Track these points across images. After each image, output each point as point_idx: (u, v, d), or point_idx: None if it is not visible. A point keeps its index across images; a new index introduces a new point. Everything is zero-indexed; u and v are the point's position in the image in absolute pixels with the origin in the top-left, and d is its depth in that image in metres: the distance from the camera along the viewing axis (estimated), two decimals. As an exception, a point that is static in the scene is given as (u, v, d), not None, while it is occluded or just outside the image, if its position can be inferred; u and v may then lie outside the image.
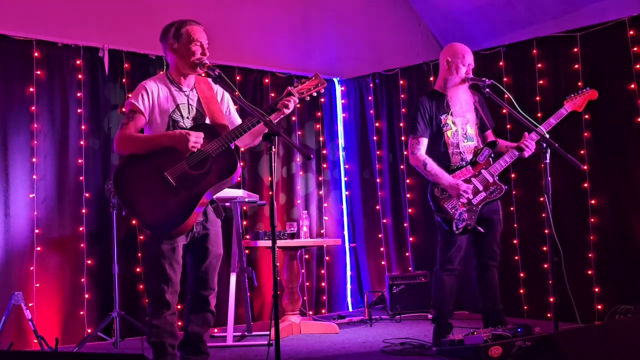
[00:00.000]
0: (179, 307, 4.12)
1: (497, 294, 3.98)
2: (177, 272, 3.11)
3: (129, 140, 3.05)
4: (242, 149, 5.32)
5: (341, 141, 6.33)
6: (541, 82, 5.07)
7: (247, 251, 5.18)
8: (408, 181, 5.81)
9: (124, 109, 3.15)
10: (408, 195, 5.82)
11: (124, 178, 3.05)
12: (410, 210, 5.80)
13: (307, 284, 5.80)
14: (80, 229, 4.74)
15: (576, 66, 4.87)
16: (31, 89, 4.64)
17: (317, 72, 3.31)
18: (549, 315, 4.87)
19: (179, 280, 3.13)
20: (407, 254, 5.89)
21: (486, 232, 3.87)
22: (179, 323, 3.81)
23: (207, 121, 3.19)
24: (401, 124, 5.92)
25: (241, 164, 5.53)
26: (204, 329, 3.23)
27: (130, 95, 3.21)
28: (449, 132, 3.90)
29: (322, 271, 5.96)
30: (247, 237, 5.30)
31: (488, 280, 3.98)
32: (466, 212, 3.82)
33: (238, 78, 5.57)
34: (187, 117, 3.16)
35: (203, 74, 3.24)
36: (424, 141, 3.93)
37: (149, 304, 3.13)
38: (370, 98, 6.15)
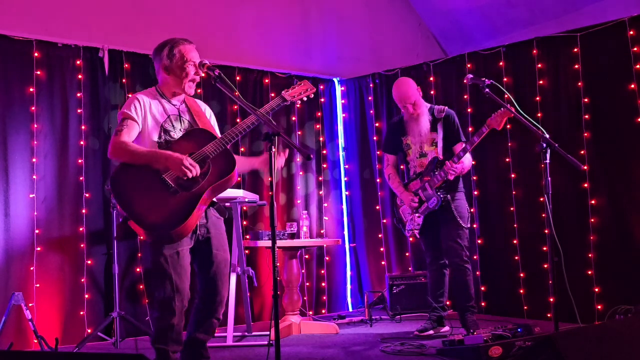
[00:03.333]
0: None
1: (460, 291, 4.40)
2: (183, 277, 3.05)
3: (124, 150, 3.03)
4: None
5: (341, 141, 6.33)
6: (541, 82, 5.07)
7: (247, 251, 5.18)
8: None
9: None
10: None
11: (122, 181, 3.03)
12: (410, 210, 5.79)
13: (307, 284, 5.80)
14: (80, 229, 4.74)
15: (576, 66, 4.87)
16: (31, 89, 4.64)
17: (306, 79, 3.43)
18: (549, 315, 4.87)
19: (188, 286, 3.09)
20: (407, 254, 5.89)
21: (439, 232, 4.43)
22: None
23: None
24: (401, 124, 5.91)
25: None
26: (208, 336, 3.21)
27: (126, 99, 3.21)
28: (409, 151, 4.58)
29: (322, 271, 5.96)
30: (247, 237, 5.30)
31: (450, 278, 4.51)
32: (411, 220, 4.51)
33: (238, 78, 5.57)
34: (179, 128, 3.17)
35: (203, 74, 3.24)
36: (390, 157, 4.72)
37: (155, 309, 3.07)
38: (370, 98, 6.15)
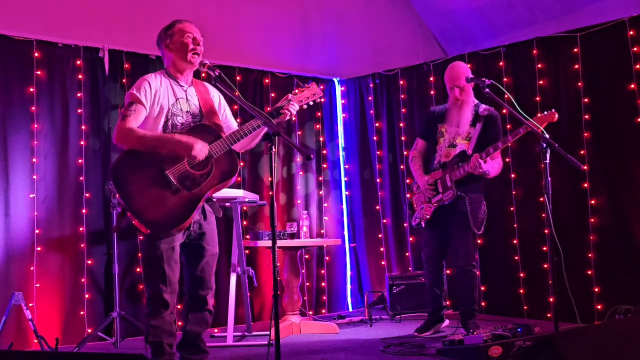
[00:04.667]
0: (178, 307, 4.13)
1: (464, 294, 4.36)
2: (176, 271, 3.10)
3: (132, 135, 3.03)
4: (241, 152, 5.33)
5: (341, 141, 6.33)
6: (541, 82, 5.07)
7: (247, 251, 5.18)
8: (408, 181, 5.80)
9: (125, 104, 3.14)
10: (408, 195, 5.81)
11: (123, 173, 3.02)
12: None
13: (307, 284, 5.80)
14: (80, 229, 4.74)
15: (576, 66, 4.87)
16: (31, 89, 4.64)
17: (314, 82, 3.41)
18: (549, 315, 4.87)
19: (178, 280, 3.13)
20: (407, 254, 5.89)
21: (449, 233, 4.37)
22: (179, 323, 3.81)
23: (204, 118, 3.20)
24: (401, 124, 5.92)
25: (241, 164, 5.54)
26: (202, 328, 3.23)
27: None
28: (441, 139, 4.43)
29: (322, 271, 5.96)
30: (247, 237, 5.30)
31: (455, 281, 4.49)
32: (422, 209, 4.44)
33: (238, 78, 5.57)
34: (186, 111, 3.18)
35: (203, 74, 3.25)
36: (420, 142, 4.58)
37: (147, 304, 3.13)
38: (370, 98, 6.15)
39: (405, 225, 5.88)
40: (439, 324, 4.55)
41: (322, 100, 3.43)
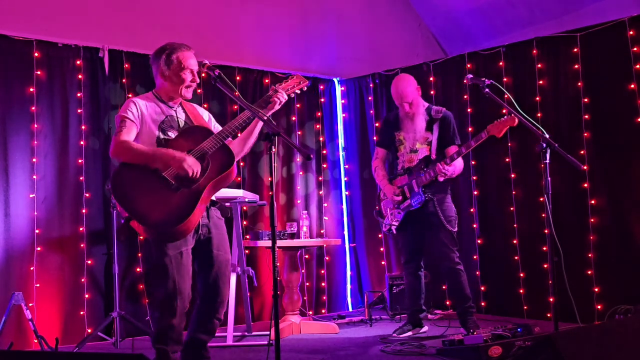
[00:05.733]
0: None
1: (455, 293, 4.44)
2: (186, 278, 3.07)
3: (126, 149, 3.05)
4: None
5: (341, 141, 6.33)
6: (541, 82, 5.07)
7: (247, 251, 5.18)
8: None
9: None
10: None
11: (122, 182, 3.05)
12: (410, 210, 5.79)
13: (307, 284, 5.80)
14: (80, 229, 4.74)
15: (576, 66, 4.87)
16: (31, 89, 4.64)
17: (297, 74, 3.45)
18: (549, 315, 4.87)
19: (190, 286, 3.10)
20: (407, 254, 5.89)
21: (429, 236, 4.42)
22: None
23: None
24: (401, 124, 5.92)
25: (241, 164, 5.54)
26: (209, 336, 3.22)
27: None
28: (400, 146, 4.51)
29: (322, 271, 5.96)
30: (247, 237, 5.30)
31: (447, 279, 4.57)
32: (391, 215, 4.49)
33: (238, 78, 5.57)
34: (176, 128, 3.20)
35: (203, 75, 3.26)
36: (380, 151, 4.67)
37: (156, 309, 3.12)
38: (370, 98, 6.15)
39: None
40: (418, 328, 4.56)
41: (305, 88, 3.44)
